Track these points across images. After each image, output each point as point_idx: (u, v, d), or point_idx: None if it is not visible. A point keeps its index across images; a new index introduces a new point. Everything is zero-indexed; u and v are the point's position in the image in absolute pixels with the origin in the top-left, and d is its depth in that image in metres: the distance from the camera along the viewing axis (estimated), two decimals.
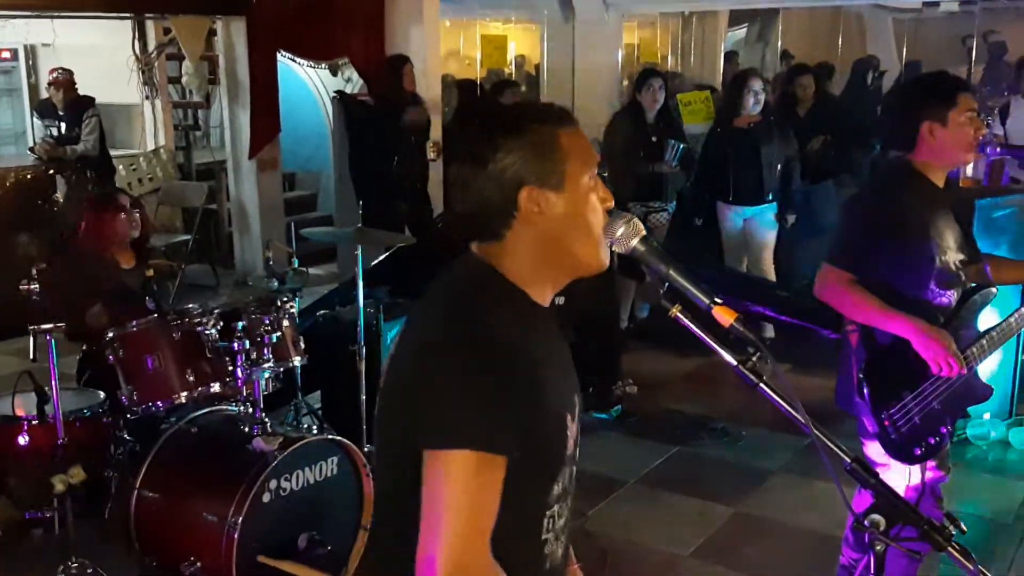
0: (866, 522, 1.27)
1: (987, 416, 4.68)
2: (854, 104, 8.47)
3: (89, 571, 3.16)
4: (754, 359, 1.29)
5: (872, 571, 1.28)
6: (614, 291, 5.52)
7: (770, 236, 6.23)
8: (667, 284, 1.32)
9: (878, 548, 1.27)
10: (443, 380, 1.30)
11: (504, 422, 1.29)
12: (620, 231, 1.31)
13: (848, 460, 1.25)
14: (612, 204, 1.40)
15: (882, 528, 1.25)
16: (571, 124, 1.42)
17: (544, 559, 1.44)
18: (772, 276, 6.32)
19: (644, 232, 1.33)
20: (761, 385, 1.29)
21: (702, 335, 1.31)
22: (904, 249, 2.73)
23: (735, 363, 1.30)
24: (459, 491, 1.27)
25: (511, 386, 1.29)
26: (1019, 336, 4.67)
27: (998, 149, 2.89)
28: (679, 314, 1.31)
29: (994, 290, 2.89)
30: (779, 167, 6.03)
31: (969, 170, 4.82)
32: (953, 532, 1.21)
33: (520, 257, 1.39)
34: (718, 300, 1.28)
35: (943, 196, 2.86)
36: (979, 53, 10.67)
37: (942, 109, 2.72)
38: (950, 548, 1.21)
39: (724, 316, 1.28)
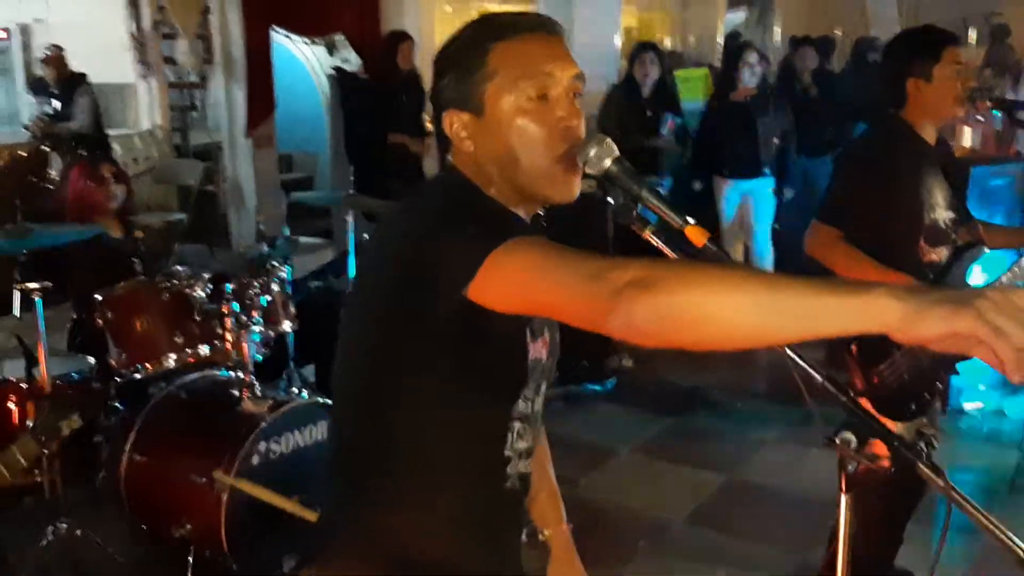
0: (837, 440, 1.25)
1: (982, 387, 4.67)
2: (855, 82, 8.42)
3: (78, 532, 3.16)
4: None
5: (843, 490, 1.27)
6: None
7: (768, 211, 6.21)
8: (639, 206, 1.30)
9: (849, 467, 1.26)
10: (456, 225, 1.20)
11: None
12: (592, 152, 1.28)
13: (820, 378, 1.24)
14: (574, 124, 1.29)
15: (853, 446, 1.24)
16: (516, 34, 1.28)
17: (505, 477, 1.40)
18: (771, 253, 6.30)
19: (617, 153, 1.31)
20: None
21: (673, 255, 1.29)
22: (894, 205, 2.72)
23: None
24: (538, 253, 1.12)
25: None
26: None
27: (988, 103, 2.86)
28: (651, 235, 1.30)
29: (984, 248, 2.88)
30: (776, 140, 6.01)
31: (967, 141, 4.79)
32: (924, 449, 1.19)
33: (478, 177, 1.34)
34: (690, 220, 1.27)
35: (934, 153, 2.84)
36: (981, 35, 10.59)
37: (926, 65, 2.70)
38: (920, 464, 1.20)
39: (697, 236, 1.26)
